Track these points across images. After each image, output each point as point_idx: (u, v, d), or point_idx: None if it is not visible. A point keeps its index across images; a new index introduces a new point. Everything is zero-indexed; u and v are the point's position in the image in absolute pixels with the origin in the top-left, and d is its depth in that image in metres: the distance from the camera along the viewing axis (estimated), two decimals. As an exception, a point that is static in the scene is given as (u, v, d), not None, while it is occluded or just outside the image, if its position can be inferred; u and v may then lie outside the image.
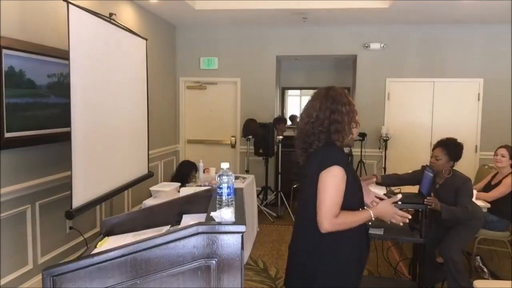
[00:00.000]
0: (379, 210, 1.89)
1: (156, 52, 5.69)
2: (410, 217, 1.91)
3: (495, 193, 3.84)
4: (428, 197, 3.09)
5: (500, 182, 3.92)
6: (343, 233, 1.80)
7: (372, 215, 1.84)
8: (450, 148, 3.34)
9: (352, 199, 1.85)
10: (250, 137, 5.97)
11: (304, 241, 1.90)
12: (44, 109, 3.32)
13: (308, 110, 1.92)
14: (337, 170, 1.77)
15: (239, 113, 6.61)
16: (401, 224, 1.92)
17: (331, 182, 1.76)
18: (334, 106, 1.84)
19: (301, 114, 1.98)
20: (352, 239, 1.85)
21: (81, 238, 3.72)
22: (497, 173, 4.08)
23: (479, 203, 3.73)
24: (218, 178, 1.50)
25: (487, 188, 4.04)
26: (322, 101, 1.87)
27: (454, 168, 3.39)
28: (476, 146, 6.15)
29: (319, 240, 1.82)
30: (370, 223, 1.92)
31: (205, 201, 1.86)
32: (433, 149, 3.44)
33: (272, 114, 6.52)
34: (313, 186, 1.80)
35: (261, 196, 6.15)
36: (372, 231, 3.23)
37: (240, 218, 1.47)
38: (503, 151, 3.97)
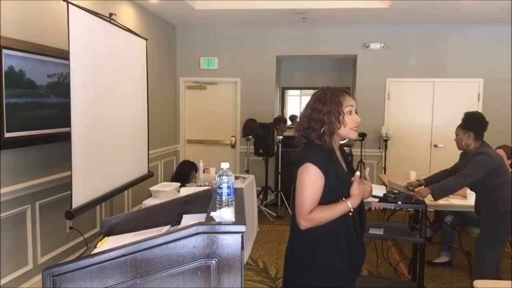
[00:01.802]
0: (355, 196, 1.81)
1: (156, 52, 5.69)
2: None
3: None
4: (411, 192, 3.08)
5: None
6: (323, 229, 1.78)
7: (351, 205, 1.78)
8: (464, 119, 3.08)
9: (335, 198, 1.80)
10: (250, 137, 5.97)
11: (291, 239, 1.93)
12: (44, 109, 3.32)
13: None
14: (310, 168, 1.76)
15: (239, 113, 6.61)
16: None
17: (305, 179, 1.78)
18: (316, 105, 1.84)
19: None
20: (335, 236, 1.81)
21: (81, 238, 3.72)
22: None
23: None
24: (218, 178, 1.50)
25: None
26: (309, 101, 1.90)
27: (485, 143, 3.05)
28: (476, 146, 6.14)
29: (300, 237, 1.84)
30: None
31: (205, 201, 1.86)
32: None
33: (272, 114, 6.52)
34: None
35: (261, 196, 6.15)
36: (372, 231, 3.23)
37: (240, 218, 1.47)
38: (500, 152, 3.97)
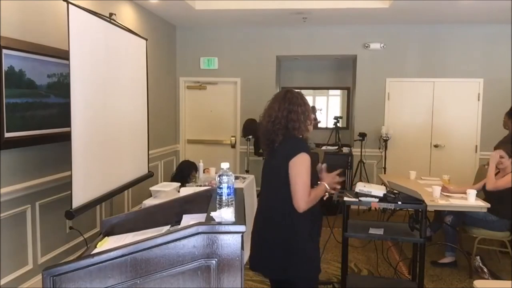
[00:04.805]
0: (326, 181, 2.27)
1: (156, 52, 5.69)
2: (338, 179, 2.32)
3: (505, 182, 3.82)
4: None
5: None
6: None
7: (327, 186, 2.23)
8: None
9: (313, 182, 2.17)
10: (250, 137, 5.97)
11: (283, 221, 2.15)
12: (44, 109, 3.32)
13: (269, 111, 2.23)
14: (305, 157, 2.10)
15: (239, 113, 6.61)
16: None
17: (303, 167, 2.08)
18: (291, 107, 2.17)
19: (263, 114, 2.27)
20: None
21: (81, 238, 3.72)
22: (498, 171, 4.07)
23: (479, 203, 3.73)
24: (218, 178, 1.50)
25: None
26: (280, 103, 2.20)
27: None
28: (476, 146, 6.15)
29: (291, 218, 2.13)
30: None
31: (205, 201, 1.86)
32: None
33: (272, 114, 6.51)
34: (281, 175, 2.10)
35: (261, 196, 6.14)
36: (372, 231, 3.23)
37: (240, 218, 1.47)
38: (501, 153, 3.97)
